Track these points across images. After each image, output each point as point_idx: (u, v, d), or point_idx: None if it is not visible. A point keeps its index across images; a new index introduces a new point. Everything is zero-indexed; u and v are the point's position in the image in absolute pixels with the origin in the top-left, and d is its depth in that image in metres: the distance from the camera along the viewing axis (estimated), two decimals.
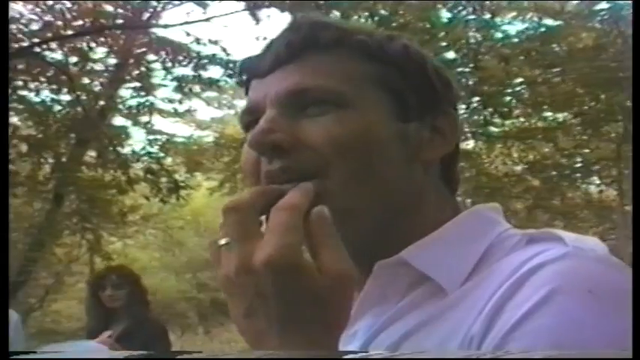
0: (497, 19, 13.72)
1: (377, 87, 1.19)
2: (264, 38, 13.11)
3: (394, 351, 1.06)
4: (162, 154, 16.18)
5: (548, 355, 0.80)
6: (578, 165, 16.22)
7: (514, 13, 14.03)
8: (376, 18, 12.37)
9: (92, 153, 15.81)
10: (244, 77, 1.29)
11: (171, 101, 16.06)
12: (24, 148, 14.35)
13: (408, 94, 1.21)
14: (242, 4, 13.43)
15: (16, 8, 12.97)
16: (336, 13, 12.83)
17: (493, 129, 15.14)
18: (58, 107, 14.81)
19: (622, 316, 0.93)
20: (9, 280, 12.42)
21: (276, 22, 13.80)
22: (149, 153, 15.81)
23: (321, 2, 12.76)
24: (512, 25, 14.10)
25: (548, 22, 14.02)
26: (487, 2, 12.93)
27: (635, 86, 1.23)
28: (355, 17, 12.18)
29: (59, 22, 13.26)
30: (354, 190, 1.13)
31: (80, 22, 13.46)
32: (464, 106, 13.79)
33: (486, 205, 1.27)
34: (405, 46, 1.24)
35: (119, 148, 15.22)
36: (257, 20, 13.25)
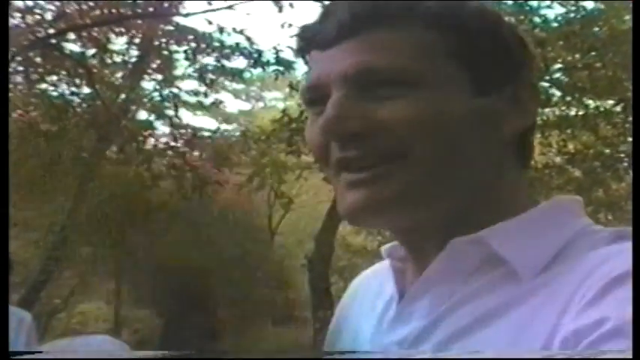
0: (534, 3, 13.38)
1: (452, 61, 1.12)
2: (290, 26, 13.13)
3: (463, 335, 1.06)
4: (185, 149, 15.87)
5: (550, 355, 0.85)
6: (622, 154, 15.62)
7: None
8: None
9: (114, 148, 15.49)
10: (302, 46, 1.22)
11: (196, 94, 15.90)
12: (42, 143, 14.10)
13: (484, 66, 1.13)
14: None
15: None
16: None
17: None
18: (77, 101, 14.56)
19: None
20: (31, 281, 12.12)
21: (299, 9, 13.51)
22: (172, 147, 15.48)
23: None
24: (550, 9, 13.65)
25: (589, 4, 13.57)
26: None
27: (635, 86, 1.00)
28: None
29: (76, 12, 12.96)
30: (435, 172, 1.10)
31: (98, 12, 13.15)
32: None
33: (569, 196, 1.22)
34: (479, 11, 1.16)
35: (142, 143, 14.95)
36: (280, 8, 12.87)
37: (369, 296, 1.31)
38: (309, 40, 1.19)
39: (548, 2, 13.69)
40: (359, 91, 1.10)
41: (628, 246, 1.02)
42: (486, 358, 0.89)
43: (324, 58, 1.15)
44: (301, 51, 1.23)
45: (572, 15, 13.51)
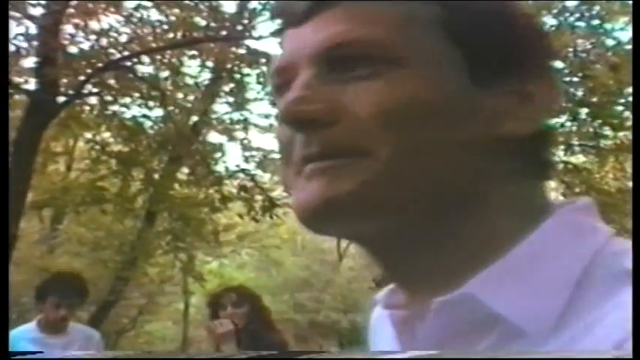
0: (608, 25, 13.24)
1: (444, 38, 0.93)
2: None
3: None
4: (256, 172, 15.93)
5: (551, 355, 0.79)
6: None
7: (626, 19, 13.42)
8: None
9: (185, 170, 15.58)
10: (278, 25, 1.03)
11: (267, 117, 15.92)
12: (114, 164, 14.25)
13: (486, 48, 0.93)
14: None
15: (106, 20, 12.93)
16: None
17: (604, 142, 14.55)
18: (149, 123, 14.70)
19: None
20: (100, 300, 12.25)
21: None
22: (243, 170, 15.54)
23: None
24: (623, 31, 13.48)
25: None
26: (597, 7, 12.49)
27: (635, 86, 0.79)
28: None
29: (150, 36, 13.09)
30: (403, 171, 0.89)
31: (171, 35, 13.26)
32: (570, 118, 13.44)
33: (575, 204, 0.96)
34: None
35: (213, 165, 15.02)
36: None
37: (383, 336, 1.07)
38: (282, 16, 1.04)
39: (621, 25, 13.58)
40: (330, 70, 0.94)
41: None
42: (487, 358, 0.84)
43: (297, 35, 0.98)
44: (277, 33, 1.05)
45: None
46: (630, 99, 14.26)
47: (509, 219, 0.93)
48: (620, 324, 0.79)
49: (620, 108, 13.88)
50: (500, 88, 0.94)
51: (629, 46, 13.29)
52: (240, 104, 15.65)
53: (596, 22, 12.52)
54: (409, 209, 0.91)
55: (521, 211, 0.94)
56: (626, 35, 13.50)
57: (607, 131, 13.93)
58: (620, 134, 14.10)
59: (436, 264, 0.93)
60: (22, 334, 5.21)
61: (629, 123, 14.42)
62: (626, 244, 0.90)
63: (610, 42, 13.23)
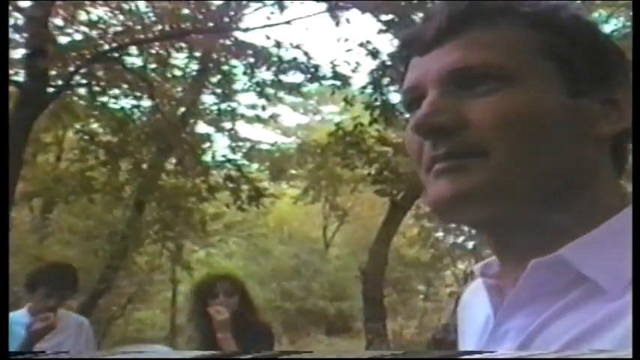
0: (594, 15, 13.13)
1: (546, 59, 1.14)
2: (346, 40, 13.25)
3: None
4: (243, 162, 16.02)
5: (551, 355, 0.86)
6: None
7: (607, 11, 13.52)
8: None
9: (173, 160, 15.66)
10: (403, 53, 1.26)
11: (254, 107, 16.01)
12: (102, 154, 14.31)
13: (579, 65, 1.14)
14: (323, 6, 13.18)
15: (94, 12, 12.99)
16: (420, 14, 12.59)
17: None
18: (137, 114, 14.77)
19: None
20: (91, 289, 12.32)
21: (356, 23, 13.59)
22: (230, 160, 15.63)
23: (403, 3, 12.48)
24: (605, 24, 13.44)
25: None
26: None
27: (635, 86, 1.19)
28: None
29: (138, 27, 13.15)
30: (517, 168, 1.10)
31: (159, 27, 13.32)
32: None
33: None
34: (574, 15, 1.18)
35: (200, 156, 15.11)
36: (337, 22, 12.97)
37: (475, 311, 1.32)
38: (409, 47, 1.24)
39: (604, 16, 13.61)
40: (454, 88, 1.14)
41: None
42: (490, 358, 0.93)
43: (422, 62, 1.19)
44: (402, 59, 1.26)
45: (627, 30, 13.40)
46: None
47: (607, 201, 1.15)
48: None
49: None
50: (592, 97, 1.15)
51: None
52: (227, 95, 15.72)
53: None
54: (521, 198, 1.11)
55: (614, 196, 1.16)
56: (608, 28, 13.57)
57: None
58: None
59: (540, 241, 1.13)
60: (15, 319, 5.29)
61: None
62: None
63: None
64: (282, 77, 14.41)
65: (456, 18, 1.16)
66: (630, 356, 0.80)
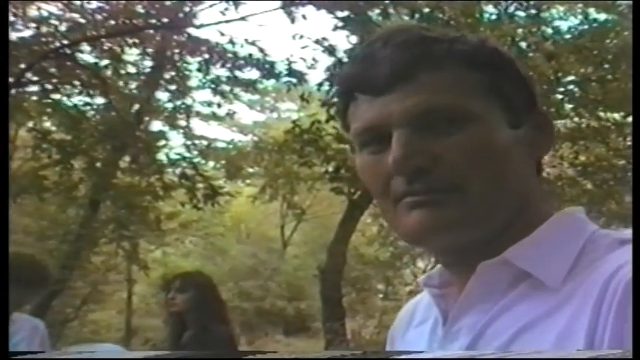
0: (547, 15, 13.45)
1: (491, 96, 1.24)
2: (301, 37, 13.17)
3: (509, 345, 1.16)
4: (198, 160, 15.89)
5: (551, 355, 0.95)
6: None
7: (564, 8, 13.58)
8: (417, 15, 11.95)
9: (127, 158, 15.47)
10: (347, 92, 1.31)
11: (209, 104, 15.88)
12: (55, 153, 14.08)
13: (514, 99, 1.27)
14: (278, 2, 13.12)
15: (45, 8, 12.79)
16: (376, 11, 12.57)
17: None
18: (91, 112, 14.58)
19: None
20: (47, 290, 12.11)
21: (312, 20, 13.51)
22: (185, 158, 15.50)
23: (361, 3, 12.43)
24: (563, 21, 13.78)
25: (602, 16, 13.60)
26: None
27: (635, 86, 1.35)
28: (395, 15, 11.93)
29: (90, 24, 12.97)
30: (491, 199, 1.22)
31: (112, 23, 13.17)
32: None
33: (574, 208, 1.35)
34: (495, 49, 1.29)
35: (155, 153, 14.96)
36: (293, 19, 12.89)
37: (414, 324, 1.44)
38: (357, 87, 1.28)
39: (560, 14, 13.70)
40: (420, 129, 1.21)
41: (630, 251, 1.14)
42: (490, 359, 0.96)
43: (380, 103, 1.24)
44: (345, 96, 1.31)
45: (584, 27, 13.48)
46: (570, 87, 14.45)
47: (540, 209, 1.29)
48: (611, 274, 1.11)
49: (559, 97, 14.09)
50: (527, 125, 1.28)
51: (568, 35, 13.46)
52: (182, 92, 15.59)
53: (533, 11, 12.55)
54: (494, 225, 1.24)
55: (544, 203, 1.32)
56: (564, 24, 13.66)
57: None
58: (559, 122, 14.23)
59: (492, 248, 1.23)
60: None
61: (567, 111, 14.60)
62: (607, 231, 1.26)
63: (549, 31, 13.38)
64: (238, 74, 14.33)
65: (411, 64, 1.22)
66: (630, 356, 0.82)
